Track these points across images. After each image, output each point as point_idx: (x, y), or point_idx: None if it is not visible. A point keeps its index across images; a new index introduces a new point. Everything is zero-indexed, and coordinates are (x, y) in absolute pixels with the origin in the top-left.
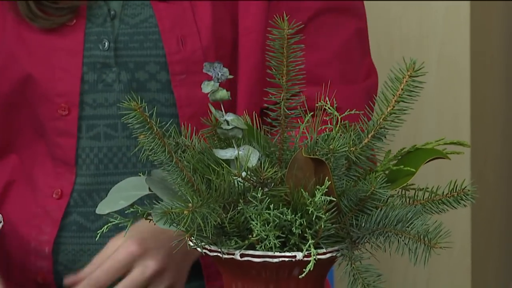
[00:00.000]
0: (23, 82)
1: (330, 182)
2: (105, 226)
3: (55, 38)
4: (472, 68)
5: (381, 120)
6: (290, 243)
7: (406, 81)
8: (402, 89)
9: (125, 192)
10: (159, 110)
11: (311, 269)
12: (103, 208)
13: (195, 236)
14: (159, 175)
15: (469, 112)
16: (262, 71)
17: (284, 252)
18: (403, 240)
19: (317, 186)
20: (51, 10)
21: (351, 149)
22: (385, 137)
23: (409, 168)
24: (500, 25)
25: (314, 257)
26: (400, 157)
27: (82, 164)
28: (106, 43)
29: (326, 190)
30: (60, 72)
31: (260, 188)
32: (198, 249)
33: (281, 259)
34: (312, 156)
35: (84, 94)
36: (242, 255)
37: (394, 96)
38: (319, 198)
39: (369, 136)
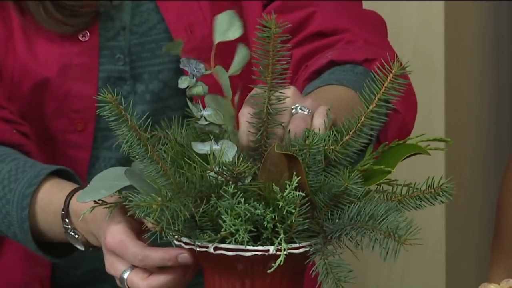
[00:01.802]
0: (37, 97)
1: (300, 177)
2: (87, 210)
3: (69, 54)
4: (446, 62)
5: (362, 118)
6: (263, 237)
7: (390, 80)
8: (385, 87)
9: (107, 182)
10: (169, 115)
11: (281, 263)
12: (84, 197)
13: (165, 229)
14: (139, 168)
15: (443, 106)
16: None
17: (258, 246)
18: (374, 236)
19: (285, 181)
20: (70, 15)
21: (331, 147)
22: (368, 135)
23: (385, 168)
24: (474, 19)
25: (285, 251)
26: (382, 152)
27: (94, 173)
28: (121, 58)
29: (297, 185)
30: (76, 89)
31: (232, 183)
32: (175, 241)
33: (253, 252)
34: (284, 152)
35: (100, 108)
36: (215, 248)
37: (377, 93)
38: (288, 193)
39: (350, 133)
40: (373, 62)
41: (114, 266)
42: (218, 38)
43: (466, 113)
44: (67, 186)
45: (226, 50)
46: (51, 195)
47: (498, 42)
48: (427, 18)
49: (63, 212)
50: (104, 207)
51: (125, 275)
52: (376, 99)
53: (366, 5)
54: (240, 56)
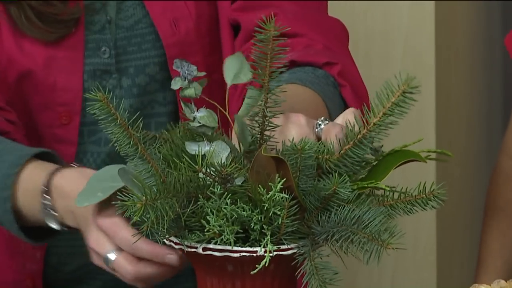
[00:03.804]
0: (23, 89)
1: (285, 179)
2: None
3: (54, 47)
4: (437, 63)
5: (365, 130)
6: (251, 238)
7: (398, 96)
8: (392, 103)
9: (103, 183)
10: (157, 110)
11: (266, 264)
12: (81, 200)
13: (150, 228)
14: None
15: (434, 107)
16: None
17: (246, 247)
18: (358, 239)
19: (269, 183)
20: (52, 22)
21: (325, 157)
22: (369, 148)
23: (374, 182)
24: (465, 19)
25: (271, 253)
26: (381, 158)
27: None
28: (106, 51)
29: (282, 187)
30: (61, 82)
31: (220, 184)
32: (165, 241)
33: (241, 254)
34: (271, 155)
35: (86, 101)
36: (204, 249)
37: (383, 108)
38: (272, 195)
39: (351, 143)
40: (334, 67)
41: (100, 243)
42: (231, 81)
43: (457, 114)
44: (50, 166)
45: (213, 84)
46: (34, 174)
47: (489, 43)
48: (417, 18)
49: (44, 188)
50: None
51: (111, 256)
52: (381, 113)
53: (356, 6)
54: (252, 98)
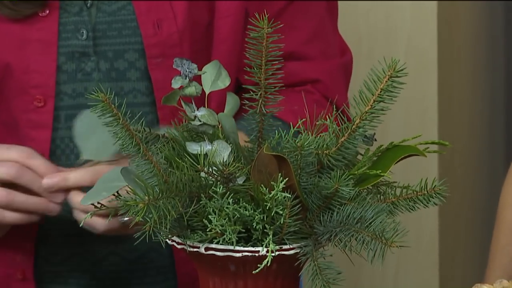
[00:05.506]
0: (1, 72)
1: (287, 179)
2: (88, 214)
3: (28, 29)
4: (440, 62)
5: (358, 119)
6: (253, 238)
7: (386, 81)
8: (381, 89)
9: (110, 183)
10: (140, 100)
11: (268, 264)
12: (87, 200)
13: (151, 228)
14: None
15: (436, 106)
16: (237, 55)
17: (248, 247)
18: (362, 238)
19: (271, 182)
20: (19, 1)
21: (325, 152)
22: (365, 137)
23: (377, 172)
24: (467, 19)
25: (273, 253)
26: (379, 154)
27: (60, 154)
28: (84, 32)
29: (284, 186)
30: (34, 64)
31: (222, 183)
32: (168, 241)
33: (244, 253)
34: (274, 153)
35: (63, 84)
36: (206, 249)
37: (373, 95)
38: (274, 194)
39: (346, 135)
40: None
41: None
42: (209, 88)
43: (459, 113)
44: None
45: None
46: None
47: (492, 42)
48: (420, 18)
49: None
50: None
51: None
52: (372, 100)
53: (358, 5)
54: (231, 104)
